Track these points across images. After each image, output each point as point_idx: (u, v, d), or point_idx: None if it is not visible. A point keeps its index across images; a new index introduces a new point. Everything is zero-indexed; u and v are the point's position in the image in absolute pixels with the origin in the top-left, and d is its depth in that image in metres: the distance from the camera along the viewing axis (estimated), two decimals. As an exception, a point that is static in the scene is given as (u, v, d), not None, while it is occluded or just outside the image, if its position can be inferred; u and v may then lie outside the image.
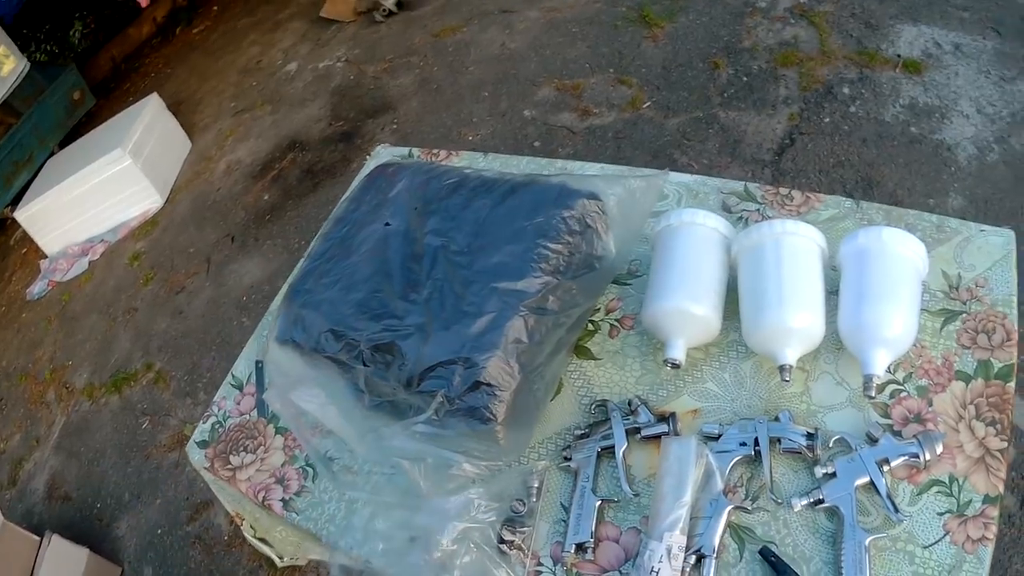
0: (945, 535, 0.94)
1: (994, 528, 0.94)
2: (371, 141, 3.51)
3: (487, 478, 1.09)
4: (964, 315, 1.10)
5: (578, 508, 1.05)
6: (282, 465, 1.25)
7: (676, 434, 1.08)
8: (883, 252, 1.05)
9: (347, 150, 3.56)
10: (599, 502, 1.05)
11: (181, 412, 2.84)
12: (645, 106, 3.08)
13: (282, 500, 1.22)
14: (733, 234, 1.17)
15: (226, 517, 2.34)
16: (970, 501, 0.96)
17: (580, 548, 1.03)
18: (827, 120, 2.78)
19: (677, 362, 1.10)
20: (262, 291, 3.10)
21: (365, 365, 1.10)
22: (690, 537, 0.98)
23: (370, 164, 1.60)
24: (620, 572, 1.02)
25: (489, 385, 1.01)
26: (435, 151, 1.62)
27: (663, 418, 1.10)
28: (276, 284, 3.03)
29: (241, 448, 1.29)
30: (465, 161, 1.54)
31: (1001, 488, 0.96)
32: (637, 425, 1.10)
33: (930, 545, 0.94)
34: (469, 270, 1.08)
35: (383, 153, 1.64)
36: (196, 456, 1.32)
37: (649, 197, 1.17)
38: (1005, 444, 0.99)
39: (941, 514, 0.96)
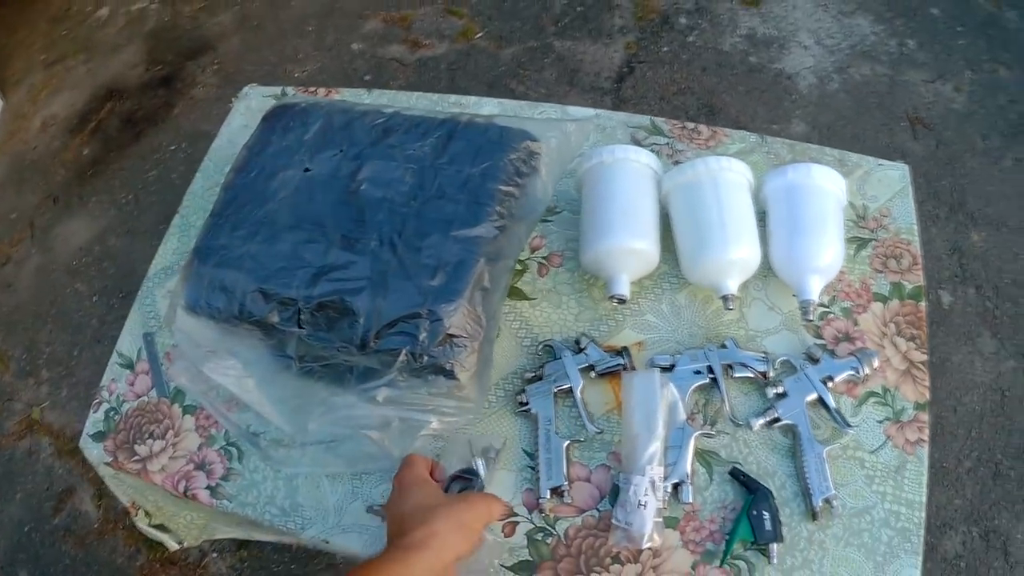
0: (887, 440, 1.04)
1: (927, 431, 1.05)
2: (192, 84, 3.29)
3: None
4: (874, 242, 1.20)
5: (546, 452, 1.04)
6: (199, 448, 1.12)
7: (632, 368, 1.09)
8: (812, 187, 1.11)
9: (168, 95, 3.30)
10: (566, 443, 1.04)
11: (25, 394, 2.56)
12: (478, 36, 3.09)
13: (208, 488, 1.10)
14: (662, 169, 1.19)
15: (93, 502, 2.21)
16: (903, 408, 1.06)
17: (556, 492, 1.02)
18: (665, 49, 2.89)
19: (624, 297, 1.11)
20: (93, 252, 2.81)
21: (300, 327, 1.01)
22: (666, 466, 1.00)
23: (238, 106, 1.45)
24: (598, 510, 1.02)
25: (456, 337, 0.96)
26: (312, 90, 1.49)
27: (617, 352, 1.11)
28: (108, 243, 2.80)
29: (147, 435, 1.14)
30: (346, 100, 1.44)
31: (928, 395, 1.07)
32: (590, 363, 1.10)
33: (875, 450, 1.03)
34: (421, 220, 1.01)
35: (252, 93, 1.48)
36: (94, 451, 1.14)
37: (579, 139, 1.16)
38: (925, 356, 1.10)
39: (880, 422, 1.05)
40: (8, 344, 2.71)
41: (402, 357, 0.95)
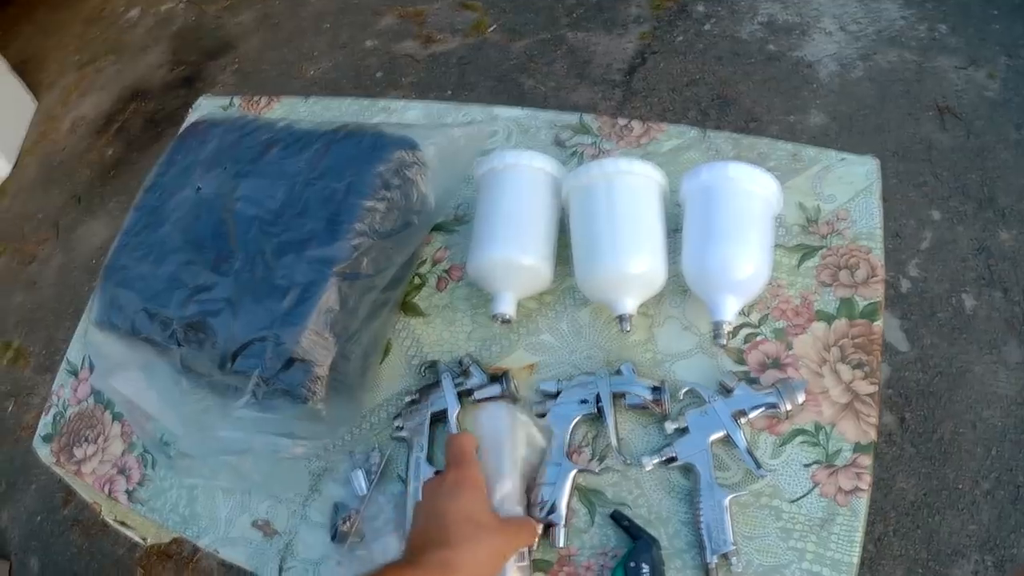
0: (814, 488, 0.88)
1: (868, 478, 0.87)
2: (212, 84, 3.40)
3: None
4: (824, 250, 1.01)
5: (415, 480, 0.98)
6: (122, 454, 1.17)
7: (511, 394, 1.00)
8: (729, 189, 0.95)
9: (188, 95, 3.40)
10: (433, 472, 0.97)
11: (43, 389, 2.74)
12: (490, 30, 3.02)
13: (127, 491, 1.14)
14: (563, 173, 1.07)
15: (95, 497, 2.36)
16: (839, 450, 0.89)
17: (420, 524, 0.96)
18: (680, 39, 2.73)
19: (507, 317, 1.02)
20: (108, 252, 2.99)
21: (179, 345, 1.01)
22: (537, 506, 0.91)
23: (191, 118, 1.47)
24: (463, 546, 0.95)
25: (304, 361, 0.92)
26: (256, 98, 1.47)
27: (496, 377, 1.01)
28: (122, 243, 2.94)
29: (83, 439, 1.20)
30: (284, 108, 1.42)
31: (874, 435, 0.90)
32: (469, 387, 1.02)
33: (798, 499, 0.88)
34: (281, 239, 0.97)
35: (205, 104, 1.50)
36: (43, 452, 1.23)
37: (472, 146, 1.08)
38: (875, 388, 0.92)
39: (808, 465, 0.90)
40: (29, 341, 2.91)
41: (253, 380, 0.93)
